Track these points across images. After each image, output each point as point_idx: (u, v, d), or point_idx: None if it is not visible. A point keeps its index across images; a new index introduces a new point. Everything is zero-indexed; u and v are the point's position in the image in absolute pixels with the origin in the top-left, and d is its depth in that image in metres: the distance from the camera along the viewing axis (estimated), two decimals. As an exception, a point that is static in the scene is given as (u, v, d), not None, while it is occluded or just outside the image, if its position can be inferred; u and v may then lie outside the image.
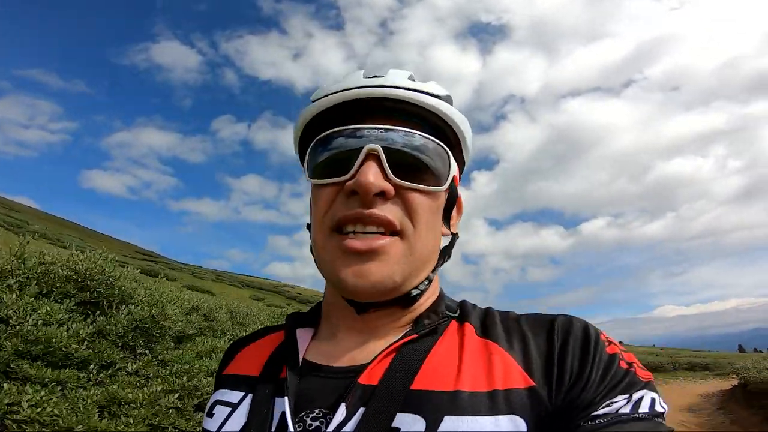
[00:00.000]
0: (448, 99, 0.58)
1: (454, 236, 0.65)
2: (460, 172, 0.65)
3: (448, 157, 0.57)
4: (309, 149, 0.59)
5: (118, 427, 2.86)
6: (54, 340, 3.08)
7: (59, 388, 2.93)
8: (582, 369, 0.49)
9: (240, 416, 0.56)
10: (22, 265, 3.64)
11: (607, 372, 0.49)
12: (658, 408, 0.47)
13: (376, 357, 0.54)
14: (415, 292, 0.58)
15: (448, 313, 0.60)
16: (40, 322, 3.19)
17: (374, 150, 0.53)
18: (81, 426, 2.68)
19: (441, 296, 0.64)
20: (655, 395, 0.48)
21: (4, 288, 3.34)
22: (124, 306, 4.07)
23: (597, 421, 0.45)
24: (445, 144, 0.57)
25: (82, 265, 3.96)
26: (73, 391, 2.99)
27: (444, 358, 0.53)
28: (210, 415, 0.60)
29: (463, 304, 0.63)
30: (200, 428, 0.61)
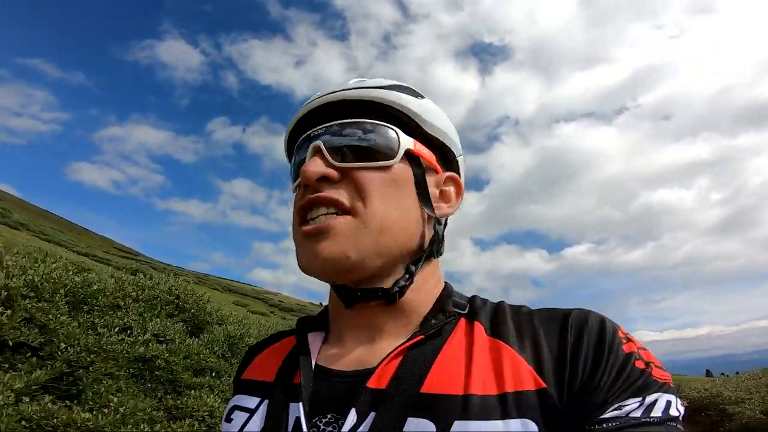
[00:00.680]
0: (394, 87, 0.61)
1: (441, 222, 0.63)
2: (445, 154, 0.64)
3: (396, 133, 0.58)
4: (291, 161, 0.64)
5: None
6: (197, 353, 4.00)
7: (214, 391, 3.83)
8: (595, 369, 0.47)
9: (257, 421, 0.57)
10: (143, 292, 4.62)
11: (621, 372, 0.47)
12: (672, 411, 0.45)
13: (383, 360, 0.53)
14: (395, 288, 0.57)
15: (456, 310, 0.58)
16: (152, 337, 3.89)
17: (317, 146, 0.57)
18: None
19: (448, 292, 0.62)
20: (671, 397, 0.46)
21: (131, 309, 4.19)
22: (218, 325, 4.95)
23: (605, 425, 0.44)
24: (391, 124, 0.58)
25: (180, 289, 5.06)
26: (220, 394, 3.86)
27: (453, 360, 0.52)
28: (228, 420, 0.61)
29: (473, 301, 0.61)
30: None
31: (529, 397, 0.47)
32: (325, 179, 0.56)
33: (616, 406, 0.45)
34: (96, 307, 3.89)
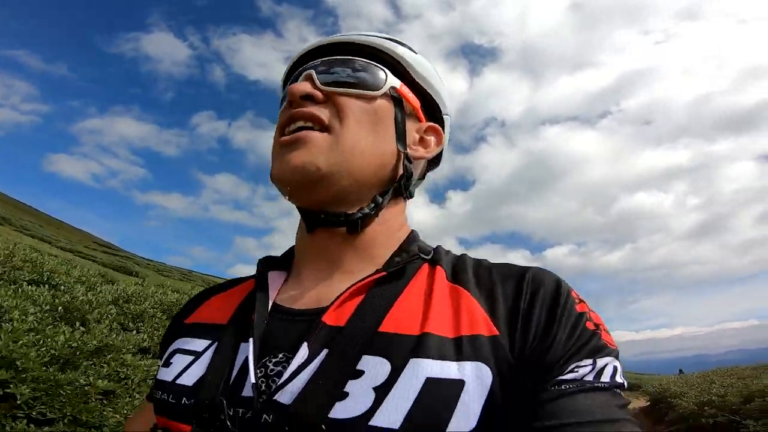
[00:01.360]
0: (392, 40, 0.65)
1: (418, 163, 0.66)
2: (431, 107, 0.67)
3: (384, 72, 0.61)
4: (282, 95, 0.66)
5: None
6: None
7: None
8: (549, 324, 0.47)
9: (201, 364, 0.54)
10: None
11: (574, 330, 0.47)
12: (618, 378, 0.46)
13: (340, 296, 0.52)
14: (357, 214, 0.57)
15: (420, 254, 0.59)
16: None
17: (308, 73, 0.60)
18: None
19: (413, 236, 0.63)
20: (617, 364, 0.47)
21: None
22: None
23: (563, 387, 0.44)
24: (379, 63, 0.62)
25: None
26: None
27: (413, 302, 0.52)
28: (167, 364, 0.57)
29: (436, 249, 0.61)
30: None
31: (483, 342, 0.47)
32: (309, 99, 0.58)
33: (572, 366, 0.45)
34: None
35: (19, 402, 2.25)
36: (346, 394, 0.44)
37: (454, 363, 0.46)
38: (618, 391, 0.45)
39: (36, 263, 4.89)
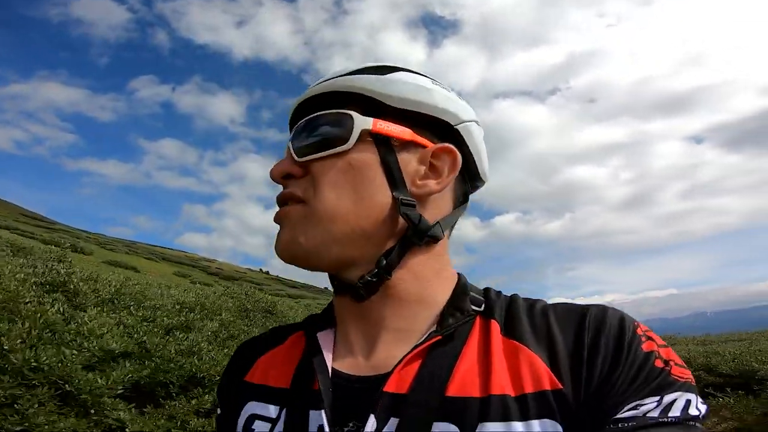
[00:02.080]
0: (360, 71, 0.58)
1: (422, 202, 0.56)
2: (432, 125, 0.57)
3: (350, 117, 0.54)
4: None
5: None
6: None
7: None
8: (613, 369, 0.46)
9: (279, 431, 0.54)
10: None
11: (640, 372, 0.46)
12: (692, 411, 0.44)
13: (399, 363, 0.51)
14: (358, 284, 0.54)
15: (473, 308, 0.56)
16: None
17: (287, 147, 0.59)
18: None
19: (463, 287, 0.58)
20: (691, 396, 0.45)
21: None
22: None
23: (620, 425, 0.42)
24: (355, 108, 0.55)
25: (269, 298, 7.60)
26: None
27: (472, 363, 0.51)
28: (248, 430, 0.57)
29: (487, 295, 0.58)
30: None
31: (547, 397, 0.46)
32: (290, 176, 0.57)
33: (633, 405, 0.44)
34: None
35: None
36: None
37: (521, 423, 0.45)
38: (692, 423, 0.44)
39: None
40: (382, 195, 0.54)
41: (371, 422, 0.48)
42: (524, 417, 0.45)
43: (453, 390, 0.48)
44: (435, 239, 0.56)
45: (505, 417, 0.45)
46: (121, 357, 3.46)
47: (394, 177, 0.54)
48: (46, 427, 2.56)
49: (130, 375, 3.24)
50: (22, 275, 3.86)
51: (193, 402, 3.39)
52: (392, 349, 0.54)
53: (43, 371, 2.78)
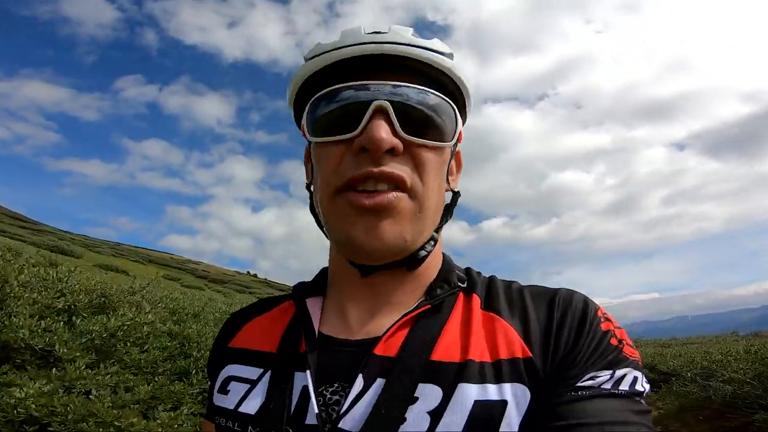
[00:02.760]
0: (451, 56, 0.57)
1: (456, 194, 0.65)
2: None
3: (455, 113, 0.56)
4: (309, 105, 0.57)
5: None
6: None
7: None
8: (576, 343, 0.52)
9: (259, 393, 0.56)
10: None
11: (598, 347, 0.51)
12: (638, 387, 0.50)
13: (390, 328, 0.55)
14: (422, 253, 0.58)
15: (458, 284, 0.61)
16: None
17: (382, 106, 0.52)
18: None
19: (449, 264, 0.64)
20: (638, 374, 0.51)
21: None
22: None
23: (579, 393, 0.48)
24: (451, 100, 0.56)
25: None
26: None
27: (455, 332, 0.55)
28: (224, 392, 0.59)
29: (469, 273, 0.64)
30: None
31: (518, 364, 0.51)
32: (390, 152, 0.52)
33: (590, 375, 0.49)
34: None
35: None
36: (404, 419, 0.49)
37: (495, 385, 0.50)
38: (638, 398, 0.49)
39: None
40: (444, 186, 0.61)
41: (359, 382, 0.52)
42: (498, 380, 0.50)
43: (437, 355, 0.53)
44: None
45: (481, 379, 0.50)
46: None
47: (449, 172, 0.62)
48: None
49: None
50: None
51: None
52: (384, 319, 0.58)
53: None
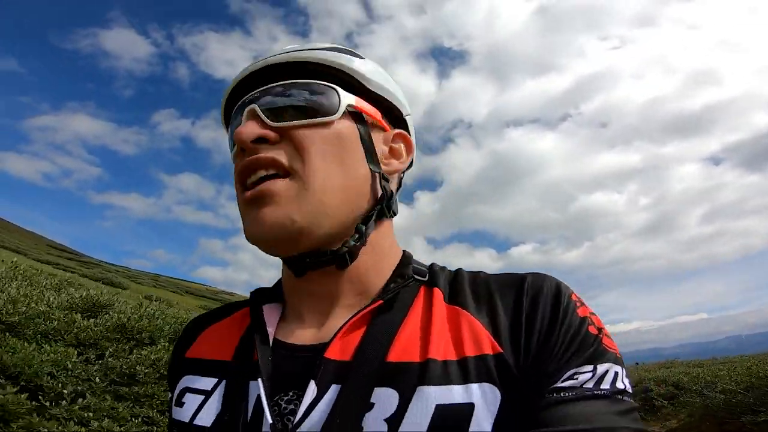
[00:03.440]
0: (333, 49, 0.59)
1: (389, 180, 0.60)
2: (392, 112, 0.63)
3: (335, 91, 0.56)
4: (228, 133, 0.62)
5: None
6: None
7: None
8: (550, 333, 0.48)
9: (214, 404, 0.55)
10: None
11: (576, 337, 0.48)
12: (619, 384, 0.46)
13: (340, 330, 0.53)
14: (343, 249, 0.56)
15: (416, 277, 0.58)
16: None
17: (252, 110, 0.55)
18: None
19: (406, 259, 0.62)
20: (618, 369, 0.47)
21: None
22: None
23: (562, 394, 0.45)
24: (328, 82, 0.57)
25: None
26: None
27: (414, 329, 0.52)
28: (179, 404, 0.58)
29: (431, 268, 0.61)
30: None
31: (488, 361, 0.48)
32: (262, 141, 0.54)
33: (571, 373, 0.46)
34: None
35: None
36: (361, 429, 0.46)
37: (460, 386, 0.46)
38: (619, 397, 0.46)
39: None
40: (361, 169, 0.57)
41: (311, 389, 0.49)
42: (464, 380, 0.47)
43: (393, 356, 0.50)
44: (394, 214, 0.62)
45: (445, 380, 0.47)
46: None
47: (370, 152, 0.58)
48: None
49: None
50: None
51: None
52: (337, 321, 0.55)
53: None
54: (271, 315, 0.61)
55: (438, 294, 0.56)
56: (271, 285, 0.68)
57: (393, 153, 0.63)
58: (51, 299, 4.48)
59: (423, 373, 0.48)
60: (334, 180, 0.54)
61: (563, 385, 0.46)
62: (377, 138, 0.60)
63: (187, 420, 0.55)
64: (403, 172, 0.66)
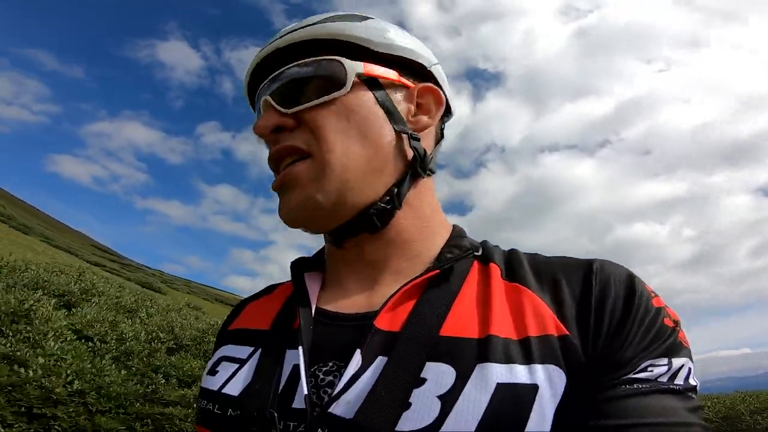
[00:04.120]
0: (332, 19, 0.58)
1: (427, 132, 0.60)
2: (411, 67, 0.59)
3: (339, 62, 0.54)
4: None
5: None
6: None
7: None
8: (624, 320, 0.45)
9: (247, 372, 0.52)
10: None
11: (652, 327, 0.45)
12: (692, 381, 0.44)
13: (391, 298, 0.50)
14: (372, 210, 0.54)
15: (471, 250, 0.55)
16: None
17: (265, 101, 0.56)
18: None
19: (459, 231, 0.60)
20: (692, 365, 0.45)
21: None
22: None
23: (636, 386, 0.42)
24: (336, 55, 0.55)
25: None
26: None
27: (471, 303, 0.49)
28: (213, 372, 0.56)
29: (485, 244, 0.58)
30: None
31: (553, 342, 0.44)
32: (280, 130, 0.55)
33: (647, 364, 0.43)
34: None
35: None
36: (409, 405, 0.42)
37: (524, 366, 0.43)
38: (690, 394, 0.43)
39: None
40: (387, 132, 0.55)
41: (356, 359, 0.46)
42: (528, 361, 0.43)
43: (449, 329, 0.46)
44: (432, 172, 0.60)
45: (507, 359, 0.43)
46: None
47: (393, 114, 0.56)
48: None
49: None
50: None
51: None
52: (387, 288, 0.53)
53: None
54: (313, 283, 0.59)
55: (495, 269, 0.53)
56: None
57: (420, 109, 0.60)
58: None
59: (483, 349, 0.44)
60: (354, 154, 0.53)
61: (638, 376, 0.43)
62: (399, 98, 0.58)
63: (215, 388, 0.54)
64: (442, 125, 0.65)
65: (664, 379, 0.43)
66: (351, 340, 0.48)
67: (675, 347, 0.45)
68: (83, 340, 4.72)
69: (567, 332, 0.45)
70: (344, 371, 0.46)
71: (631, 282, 0.48)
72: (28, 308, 4.35)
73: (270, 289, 0.68)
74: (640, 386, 0.42)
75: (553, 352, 0.44)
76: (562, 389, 0.42)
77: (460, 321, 0.47)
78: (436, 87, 0.61)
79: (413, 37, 0.62)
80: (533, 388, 0.42)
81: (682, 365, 0.44)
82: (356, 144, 0.54)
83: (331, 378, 0.47)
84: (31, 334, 4.08)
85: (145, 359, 4.78)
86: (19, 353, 3.70)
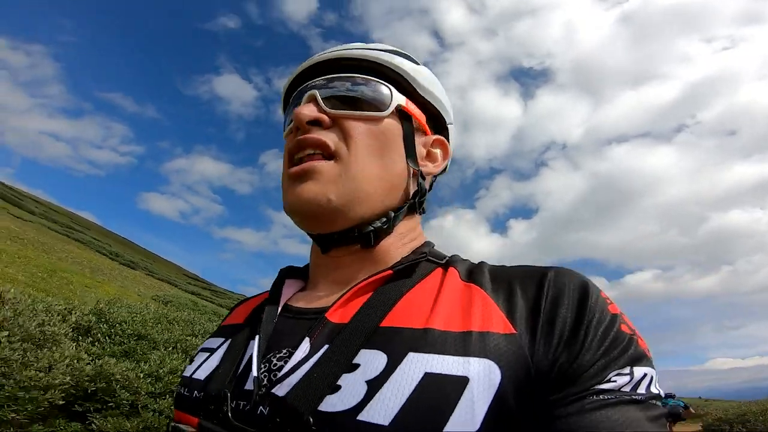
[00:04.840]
0: (393, 52, 0.65)
1: (428, 178, 0.67)
2: (436, 119, 0.69)
3: (389, 89, 0.62)
4: (285, 114, 0.70)
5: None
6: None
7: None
8: (578, 325, 0.45)
9: (215, 359, 0.59)
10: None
11: (608, 333, 0.45)
12: (653, 389, 0.44)
13: (344, 293, 0.55)
14: (369, 228, 0.59)
15: (431, 258, 0.60)
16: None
17: (311, 94, 0.61)
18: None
19: (428, 243, 0.65)
20: (653, 373, 0.45)
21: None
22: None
23: (602, 397, 0.42)
24: (383, 80, 0.62)
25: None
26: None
27: (420, 298, 0.52)
28: (191, 362, 0.63)
29: (452, 256, 0.62)
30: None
31: (495, 339, 0.45)
32: (316, 124, 0.59)
33: (613, 375, 0.43)
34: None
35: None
36: (338, 387, 0.45)
37: (459, 358, 0.44)
38: (653, 402, 0.43)
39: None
40: (399, 164, 0.62)
41: (303, 348, 0.50)
42: (463, 353, 0.44)
43: (390, 321, 0.49)
44: (423, 211, 0.68)
45: (440, 350, 0.44)
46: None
47: (410, 150, 0.63)
48: None
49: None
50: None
51: None
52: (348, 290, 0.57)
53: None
54: (290, 287, 0.65)
55: (454, 271, 0.56)
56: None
57: (429, 156, 0.67)
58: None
59: (417, 339, 0.46)
60: (372, 170, 0.59)
61: (603, 387, 0.43)
62: (418, 140, 0.65)
63: (188, 375, 0.60)
64: (436, 177, 0.71)
65: (627, 389, 0.43)
66: (305, 331, 0.53)
67: (638, 356, 0.45)
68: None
69: (514, 331, 0.46)
70: (293, 356, 0.50)
71: (585, 288, 0.48)
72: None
73: (263, 293, 0.72)
74: (606, 397, 0.42)
75: (495, 348, 0.44)
76: (497, 385, 0.42)
77: (405, 313, 0.50)
78: (447, 142, 0.70)
79: (446, 95, 0.71)
80: (463, 380, 0.42)
81: (645, 374, 0.44)
82: (375, 162, 0.60)
83: (282, 363, 0.51)
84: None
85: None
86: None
